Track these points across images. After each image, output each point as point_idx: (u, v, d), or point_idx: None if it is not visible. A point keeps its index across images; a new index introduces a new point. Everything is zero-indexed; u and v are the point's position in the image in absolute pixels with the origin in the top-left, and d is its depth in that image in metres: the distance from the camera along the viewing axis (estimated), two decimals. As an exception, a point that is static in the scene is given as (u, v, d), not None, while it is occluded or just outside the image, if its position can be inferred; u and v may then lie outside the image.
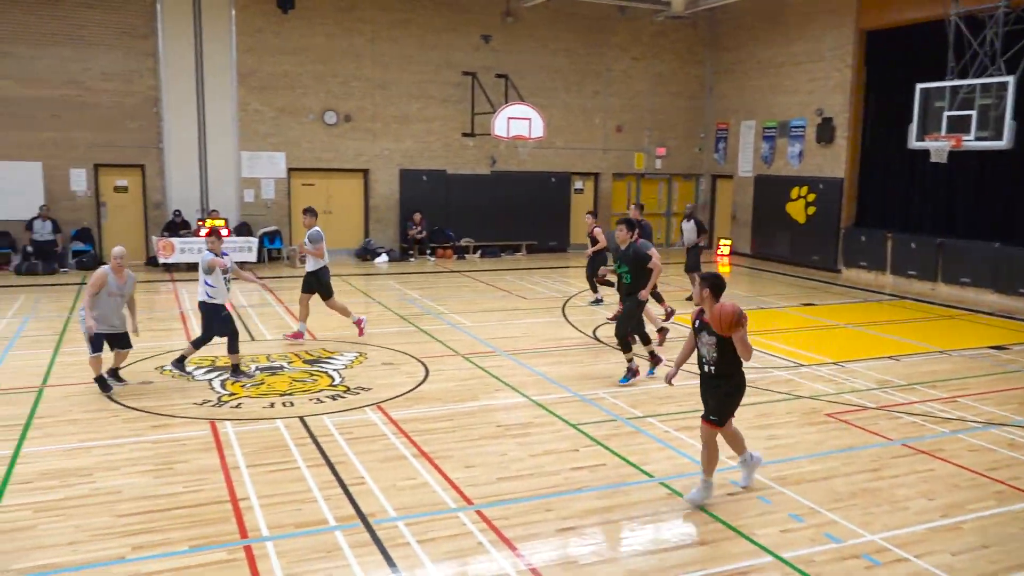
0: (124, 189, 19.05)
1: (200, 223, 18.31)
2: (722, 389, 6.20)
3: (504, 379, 9.82)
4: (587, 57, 22.47)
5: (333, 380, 9.62)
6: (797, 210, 20.76)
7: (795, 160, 20.92)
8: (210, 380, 9.53)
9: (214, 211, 18.85)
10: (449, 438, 7.76)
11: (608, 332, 11.87)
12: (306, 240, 11.59)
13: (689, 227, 14.97)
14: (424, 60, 20.78)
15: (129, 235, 19.02)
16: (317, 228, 11.61)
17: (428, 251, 21.04)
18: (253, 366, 10.12)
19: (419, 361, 10.57)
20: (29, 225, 17.57)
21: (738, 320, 5.86)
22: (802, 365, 10.71)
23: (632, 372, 9.64)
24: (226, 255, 9.76)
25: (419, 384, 9.54)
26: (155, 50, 18.42)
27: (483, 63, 21.08)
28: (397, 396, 9.06)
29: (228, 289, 9.72)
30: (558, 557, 5.57)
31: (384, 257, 20.38)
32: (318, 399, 8.89)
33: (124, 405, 8.58)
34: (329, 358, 10.64)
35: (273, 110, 19.64)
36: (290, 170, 20.12)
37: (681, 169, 24.36)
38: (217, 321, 9.59)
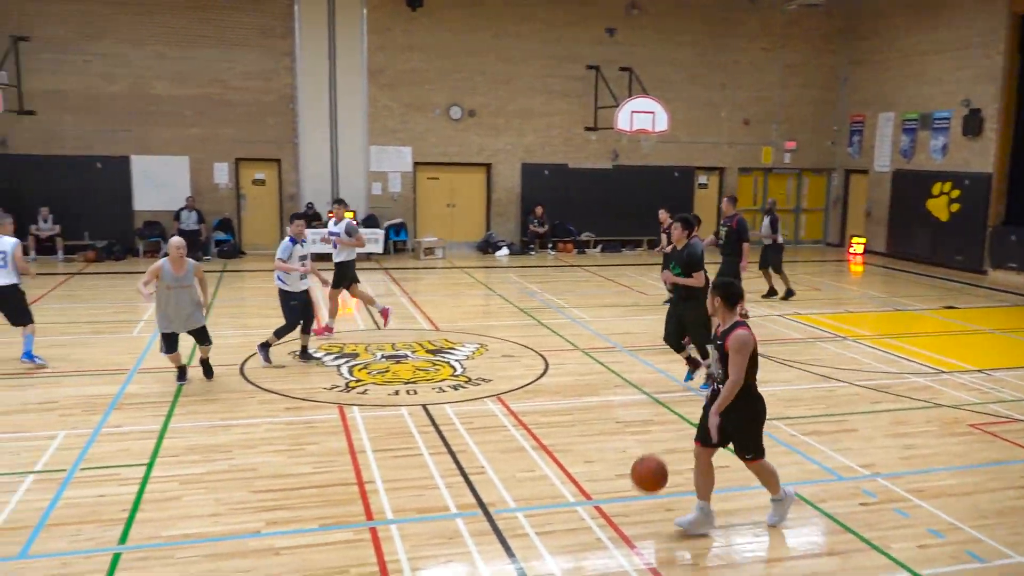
0: (261, 182, 20.05)
1: (329, 215, 19.00)
2: (732, 416, 5.53)
3: (624, 375, 9.73)
4: (713, 49, 21.91)
5: (455, 370, 9.81)
6: (939, 207, 19.57)
7: (938, 154, 19.71)
8: (338, 366, 9.90)
9: (345, 203, 19.52)
10: (568, 432, 7.77)
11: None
12: (343, 232, 11.45)
13: (766, 223, 14.56)
14: (547, 55, 20.83)
15: (265, 226, 20.06)
16: (352, 220, 11.51)
17: (549, 245, 21.11)
18: (379, 354, 10.45)
19: (539, 354, 10.62)
20: (177, 215, 18.77)
21: (739, 348, 5.38)
22: (943, 372, 10.09)
23: (693, 364, 9.31)
24: (305, 242, 10.09)
25: (539, 377, 9.59)
26: (292, 50, 19.26)
27: (607, 56, 20.92)
28: (517, 388, 9.13)
29: (303, 277, 9.92)
30: (677, 558, 5.48)
31: (505, 250, 20.59)
32: (440, 388, 9.08)
33: (260, 387, 9.03)
34: (451, 349, 10.85)
35: (401, 106, 20.18)
36: (416, 164, 20.63)
37: (811, 164, 23.41)
38: (287, 308, 9.88)
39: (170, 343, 8.80)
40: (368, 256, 19.01)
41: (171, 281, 8.49)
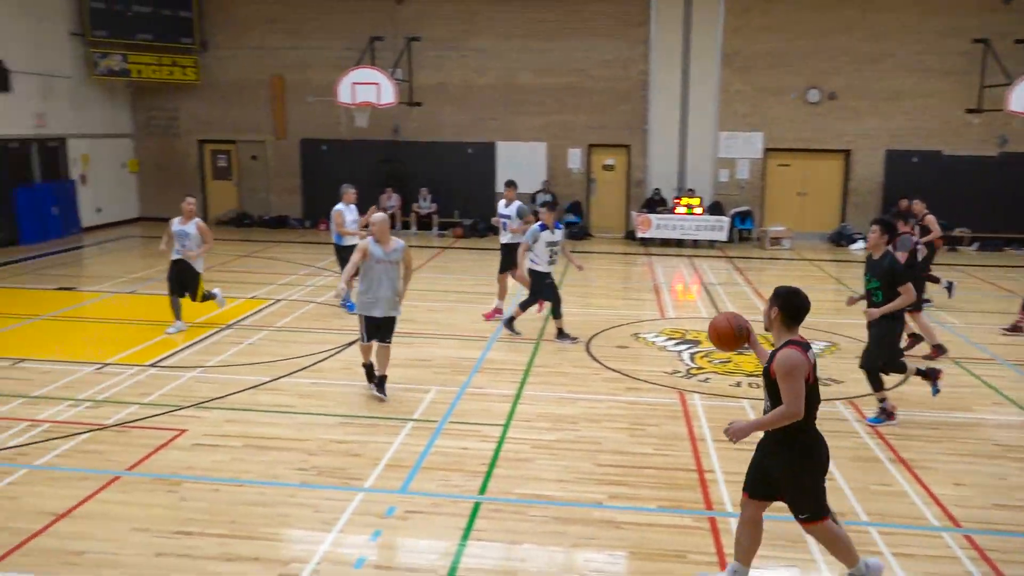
0: (611, 167, 20.71)
1: (676, 201, 19.11)
2: (781, 460, 4.50)
3: (1005, 392, 8.54)
4: None
5: (801, 367, 9.33)
6: None
7: None
8: (679, 352, 9.94)
9: (690, 190, 19.50)
10: (933, 448, 7.02)
11: None
12: (513, 215, 11.32)
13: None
14: (924, 29, 18.76)
15: (611, 210, 20.73)
16: (522, 203, 11.48)
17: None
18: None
19: (898, 359, 9.70)
20: (533, 198, 20.10)
21: (788, 371, 4.32)
22: None
23: (885, 413, 7.58)
24: (559, 228, 10.37)
25: (897, 385, 8.77)
26: (647, 37, 19.54)
27: (999, 28, 18.28)
28: (870, 394, 8.44)
29: (552, 260, 10.24)
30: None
31: (861, 244, 19.06)
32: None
33: (605, 365, 9.39)
34: (797, 344, 10.32)
35: (754, 90, 19.54)
36: (767, 150, 19.87)
37: None
38: (539, 287, 10.21)
39: (371, 330, 8.03)
40: (711, 244, 18.78)
41: (381, 256, 7.93)
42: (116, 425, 7.34)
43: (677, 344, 10.33)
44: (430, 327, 10.99)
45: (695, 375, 9.04)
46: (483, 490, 6.16)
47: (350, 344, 10.02)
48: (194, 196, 10.89)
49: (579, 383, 8.76)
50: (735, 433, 4.47)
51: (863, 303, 7.80)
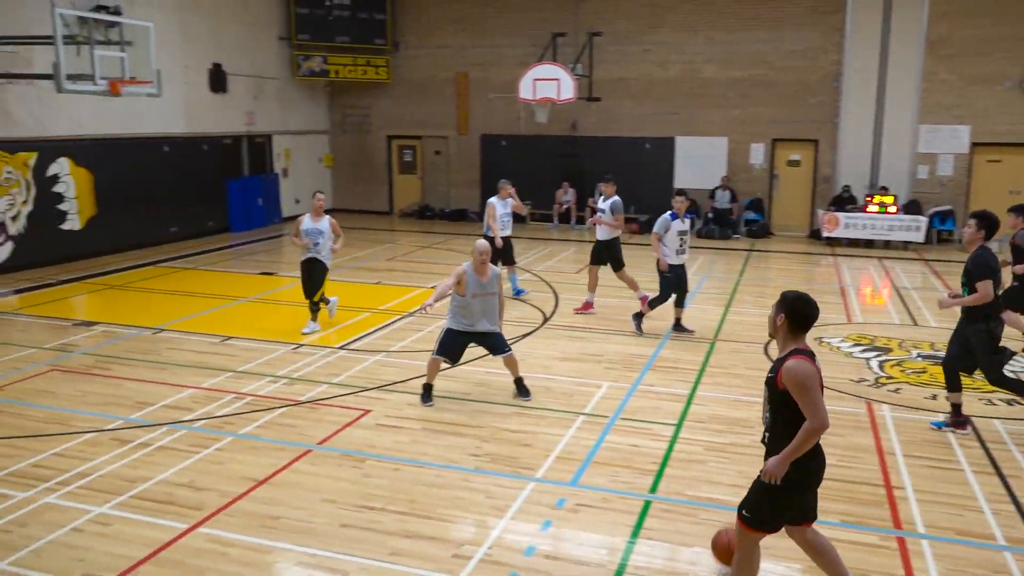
0: (796, 163, 19.77)
1: (868, 199, 17.97)
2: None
3: None
4: None
5: (1009, 383, 8.52)
6: None
7: None
8: (867, 360, 9.36)
9: (883, 187, 18.27)
10: None
11: None
12: (607, 209, 11.28)
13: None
14: None
15: (795, 207, 19.80)
16: (619, 198, 11.32)
17: None
18: (915, 352, 9.59)
19: None
20: (712, 194, 19.61)
21: (799, 384, 4.05)
22: None
23: (955, 419, 7.18)
24: (689, 216, 10.26)
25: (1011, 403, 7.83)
26: (842, 25, 18.47)
27: None
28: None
29: (681, 250, 10.10)
30: None
31: (1084, 249, 17.08)
32: (988, 400, 7.99)
33: (783, 369, 8.99)
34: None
35: (961, 79, 17.97)
36: (974, 144, 18.24)
37: None
38: (662, 279, 10.13)
39: (448, 343, 7.74)
40: (905, 245, 17.53)
41: (476, 289, 7.65)
42: (308, 402, 7.89)
43: (865, 351, 9.73)
44: (603, 323, 10.99)
45: (884, 384, 8.48)
46: (654, 489, 6.10)
47: (525, 336, 10.22)
48: (323, 192, 10.50)
49: (755, 386, 8.44)
50: (771, 474, 4.21)
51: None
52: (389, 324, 10.85)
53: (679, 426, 7.32)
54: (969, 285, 6.89)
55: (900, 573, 4.99)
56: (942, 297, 7.29)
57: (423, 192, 23.02)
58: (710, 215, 19.48)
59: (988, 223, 6.90)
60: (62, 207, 15.06)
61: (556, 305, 11.94)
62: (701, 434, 7.15)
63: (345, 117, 23.13)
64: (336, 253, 10.48)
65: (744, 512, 4.39)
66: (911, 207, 18.10)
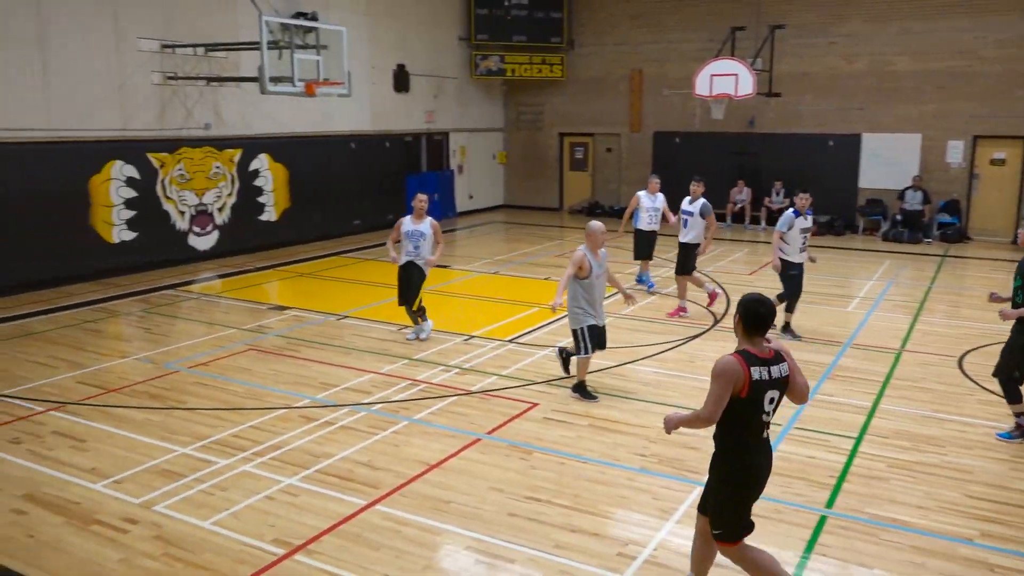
0: (1001, 162, 18.11)
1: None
2: (715, 474, 4.40)
3: None
4: None
5: None
6: None
7: None
8: (1081, 380, 8.44)
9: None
10: None
11: None
12: (696, 211, 10.97)
13: None
14: None
15: (998, 210, 18.19)
16: (707, 201, 11.01)
17: None
18: None
19: None
20: (901, 195, 18.34)
21: (716, 374, 4.14)
22: None
23: (1020, 429, 6.85)
24: (810, 214, 9.82)
25: None
26: (1061, 9, 16.74)
27: None
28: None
29: (803, 248, 9.75)
30: None
31: None
32: None
33: (981, 386, 8.29)
34: None
35: None
36: None
37: None
38: (785, 277, 9.79)
39: (591, 338, 7.78)
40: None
41: (597, 269, 7.73)
42: (479, 392, 8.13)
43: (1078, 370, 8.78)
44: (775, 327, 10.57)
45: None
46: (830, 504, 5.81)
47: (694, 337, 10.02)
48: (425, 194, 10.22)
49: (947, 402, 7.86)
50: (668, 422, 4.47)
51: (1006, 304, 6.91)
52: (556, 320, 10.96)
53: (859, 439, 6.93)
54: None
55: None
56: (1002, 310, 6.82)
57: (593, 189, 23.06)
58: (898, 217, 18.23)
59: None
60: (261, 199, 16.34)
61: (728, 307, 11.62)
62: (884, 449, 6.73)
63: (519, 115, 23.57)
64: (431, 264, 9.85)
65: (715, 532, 4.43)
66: None
